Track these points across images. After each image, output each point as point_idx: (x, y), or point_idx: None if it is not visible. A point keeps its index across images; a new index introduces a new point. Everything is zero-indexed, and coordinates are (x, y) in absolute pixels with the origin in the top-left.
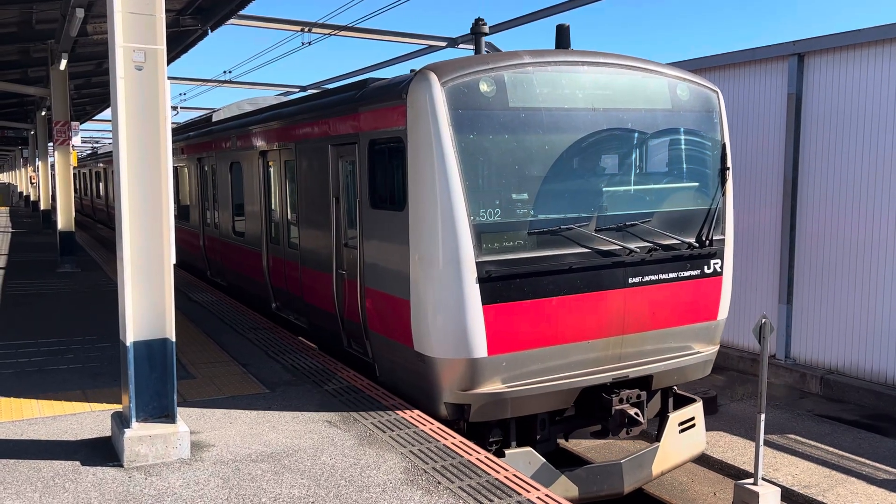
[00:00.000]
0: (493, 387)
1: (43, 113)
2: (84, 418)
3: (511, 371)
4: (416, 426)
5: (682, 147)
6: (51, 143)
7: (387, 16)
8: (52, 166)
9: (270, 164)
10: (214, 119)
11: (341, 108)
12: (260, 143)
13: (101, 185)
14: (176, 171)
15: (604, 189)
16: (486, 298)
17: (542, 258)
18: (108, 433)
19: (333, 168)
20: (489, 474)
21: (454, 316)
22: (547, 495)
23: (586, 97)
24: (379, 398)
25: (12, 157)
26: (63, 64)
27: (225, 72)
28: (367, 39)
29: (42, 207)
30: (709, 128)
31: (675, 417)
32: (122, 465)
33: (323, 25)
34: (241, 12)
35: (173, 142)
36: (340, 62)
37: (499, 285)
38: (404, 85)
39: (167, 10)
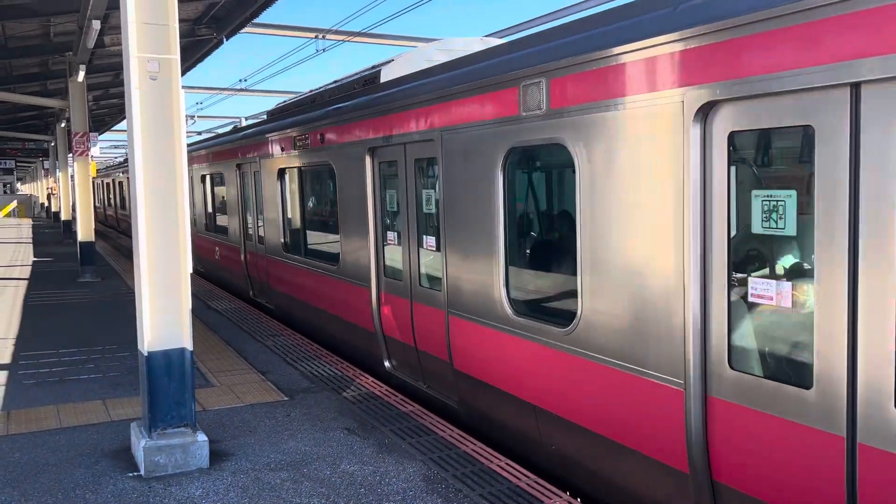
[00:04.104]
0: None
1: (62, 124)
2: (104, 428)
3: None
4: (436, 433)
5: None
6: (70, 155)
7: (400, 21)
8: (72, 177)
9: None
10: (384, 79)
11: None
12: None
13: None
14: (296, 174)
15: None
16: None
17: None
18: (128, 443)
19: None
20: (510, 481)
21: None
22: (569, 502)
23: None
24: (398, 405)
25: (34, 168)
26: (81, 75)
27: (241, 80)
28: (380, 45)
29: (63, 218)
30: None
31: None
32: (141, 476)
33: (337, 32)
34: (256, 21)
35: (270, 131)
36: (355, 68)
37: None
38: None
39: (182, 20)
